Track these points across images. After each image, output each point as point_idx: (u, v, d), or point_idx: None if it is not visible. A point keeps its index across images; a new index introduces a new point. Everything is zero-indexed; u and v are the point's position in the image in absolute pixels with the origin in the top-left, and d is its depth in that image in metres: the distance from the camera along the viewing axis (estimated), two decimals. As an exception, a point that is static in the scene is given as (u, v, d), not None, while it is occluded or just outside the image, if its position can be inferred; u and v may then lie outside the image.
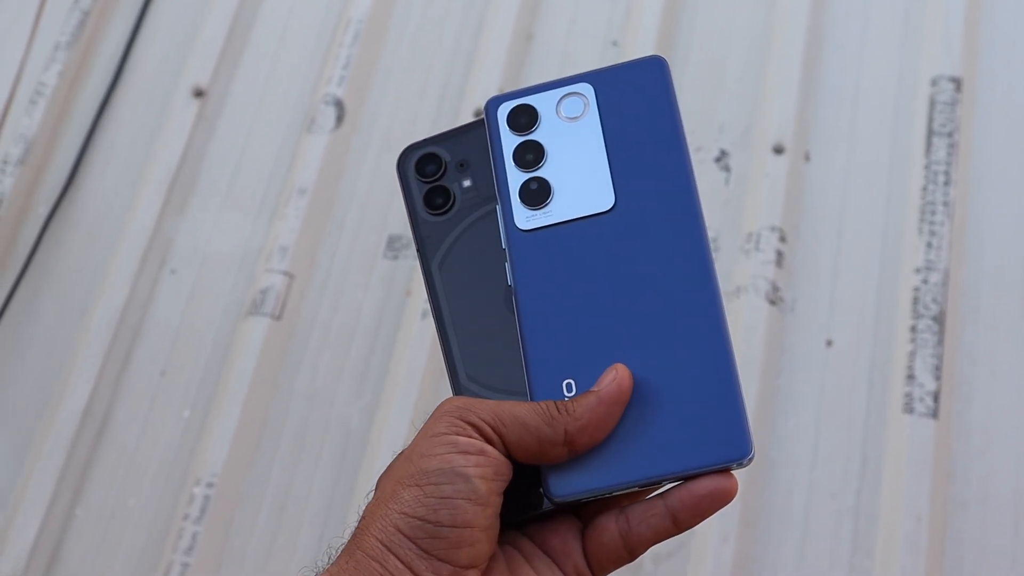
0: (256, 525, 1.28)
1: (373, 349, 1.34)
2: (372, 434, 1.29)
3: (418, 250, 0.65)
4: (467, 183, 0.66)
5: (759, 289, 1.27)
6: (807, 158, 1.35)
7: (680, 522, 0.58)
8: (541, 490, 0.59)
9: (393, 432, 1.27)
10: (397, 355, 1.32)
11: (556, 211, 0.62)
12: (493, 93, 1.43)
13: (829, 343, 1.26)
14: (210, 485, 1.28)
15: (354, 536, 0.58)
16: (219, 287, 1.42)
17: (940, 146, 1.31)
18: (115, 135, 1.53)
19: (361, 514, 0.59)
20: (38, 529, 1.29)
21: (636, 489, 0.58)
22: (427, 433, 0.58)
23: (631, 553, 0.59)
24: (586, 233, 0.61)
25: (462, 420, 0.57)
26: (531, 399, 0.59)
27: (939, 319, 1.23)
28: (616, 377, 0.58)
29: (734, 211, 1.33)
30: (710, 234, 1.34)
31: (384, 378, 1.32)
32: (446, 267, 0.64)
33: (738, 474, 0.57)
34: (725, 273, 1.29)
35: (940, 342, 1.22)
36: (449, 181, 0.66)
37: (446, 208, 0.65)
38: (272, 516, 1.28)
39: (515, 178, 0.63)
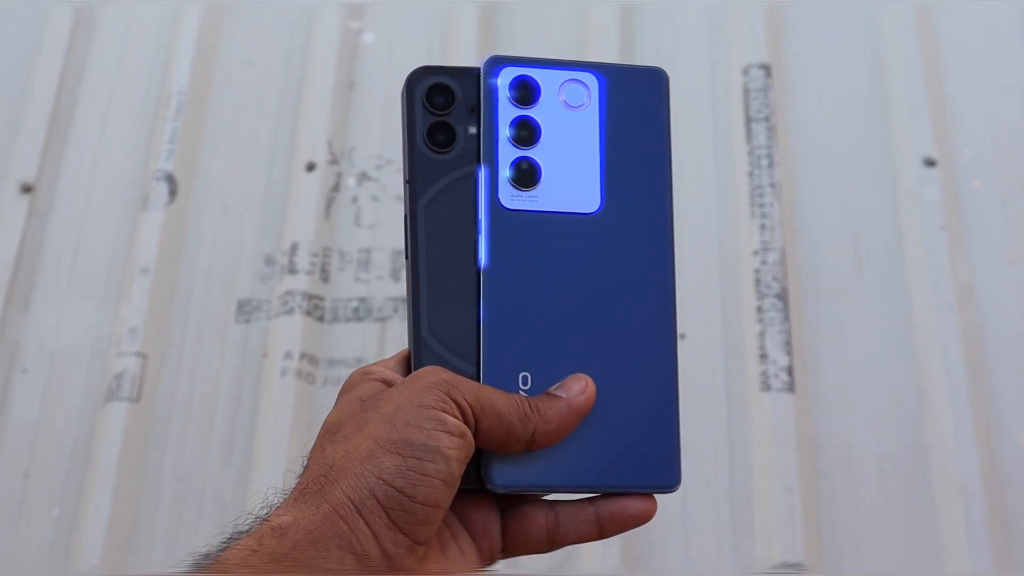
0: (142, 612, 1.25)
1: (237, 416, 1.33)
2: (248, 500, 1.27)
3: (407, 182, 0.62)
4: (474, 130, 0.63)
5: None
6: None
7: (604, 532, 0.61)
8: (481, 472, 0.59)
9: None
10: (261, 417, 1.31)
11: (542, 198, 0.61)
12: (322, 145, 1.44)
13: (682, 336, 1.29)
14: (89, 580, 1.24)
15: (318, 482, 0.57)
16: (73, 379, 1.39)
17: (759, 131, 1.35)
18: (-55, 243, 1.50)
19: (308, 454, 0.59)
20: (-84, 656, 1.24)
21: (568, 492, 0.60)
22: (413, 402, 0.57)
23: (550, 546, 0.61)
24: (566, 229, 0.61)
25: (449, 397, 0.57)
26: (481, 381, 0.59)
27: (782, 296, 1.26)
28: (586, 390, 0.59)
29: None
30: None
31: (252, 442, 1.30)
32: (433, 209, 0.61)
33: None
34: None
35: (786, 318, 1.25)
36: (456, 121, 0.63)
37: (448, 147, 0.62)
38: (158, 600, 1.26)
39: (507, 152, 0.61)
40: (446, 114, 0.63)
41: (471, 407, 0.57)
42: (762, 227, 1.30)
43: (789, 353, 1.23)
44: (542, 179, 0.61)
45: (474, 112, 0.63)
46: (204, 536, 1.27)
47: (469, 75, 0.63)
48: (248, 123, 1.51)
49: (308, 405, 1.30)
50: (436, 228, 0.61)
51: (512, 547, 0.61)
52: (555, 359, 0.59)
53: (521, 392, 0.59)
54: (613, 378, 0.60)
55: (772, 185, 1.32)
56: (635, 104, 0.63)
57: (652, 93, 0.63)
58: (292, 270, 1.37)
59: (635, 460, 0.59)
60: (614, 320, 0.60)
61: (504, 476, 0.58)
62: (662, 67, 0.64)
